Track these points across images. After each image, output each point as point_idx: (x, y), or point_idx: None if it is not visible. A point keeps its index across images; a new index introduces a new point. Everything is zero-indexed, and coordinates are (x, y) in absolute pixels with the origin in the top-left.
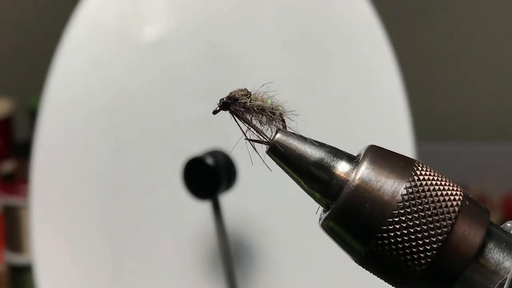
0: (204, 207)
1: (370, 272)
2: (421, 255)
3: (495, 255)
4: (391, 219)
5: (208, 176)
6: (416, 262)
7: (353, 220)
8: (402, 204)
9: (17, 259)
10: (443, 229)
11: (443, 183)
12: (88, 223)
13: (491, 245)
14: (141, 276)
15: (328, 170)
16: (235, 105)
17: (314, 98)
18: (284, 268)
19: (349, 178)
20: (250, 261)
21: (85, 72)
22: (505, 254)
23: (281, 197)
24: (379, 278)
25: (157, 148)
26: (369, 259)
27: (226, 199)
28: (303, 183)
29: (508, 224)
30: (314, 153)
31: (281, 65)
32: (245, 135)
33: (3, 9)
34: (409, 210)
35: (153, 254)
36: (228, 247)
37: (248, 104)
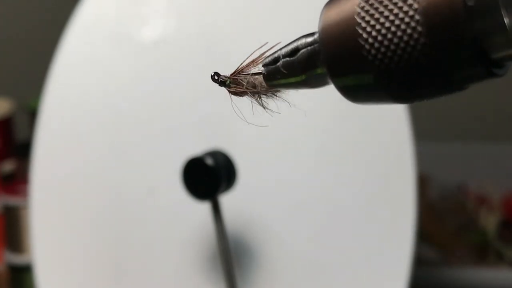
0: (203, 208)
1: (411, 95)
2: (411, 35)
3: None
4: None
5: (207, 177)
6: (413, 39)
7: (340, 58)
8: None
9: (17, 259)
10: None
11: None
12: (88, 223)
13: None
14: (141, 276)
15: (301, 49)
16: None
17: (312, 98)
18: (284, 269)
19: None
20: (250, 261)
21: (85, 72)
22: None
23: (281, 198)
24: (425, 98)
25: (157, 148)
26: (386, 73)
27: (226, 199)
28: (300, 78)
29: None
30: (291, 47)
31: None
32: (251, 78)
33: (2, 9)
34: None
35: (153, 254)
36: (228, 248)
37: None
